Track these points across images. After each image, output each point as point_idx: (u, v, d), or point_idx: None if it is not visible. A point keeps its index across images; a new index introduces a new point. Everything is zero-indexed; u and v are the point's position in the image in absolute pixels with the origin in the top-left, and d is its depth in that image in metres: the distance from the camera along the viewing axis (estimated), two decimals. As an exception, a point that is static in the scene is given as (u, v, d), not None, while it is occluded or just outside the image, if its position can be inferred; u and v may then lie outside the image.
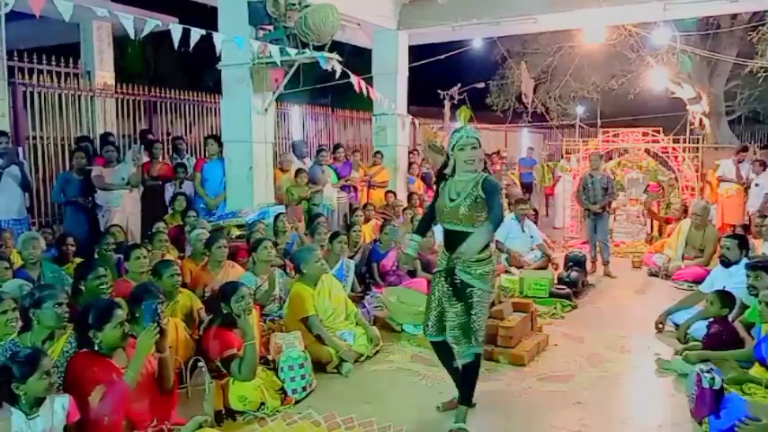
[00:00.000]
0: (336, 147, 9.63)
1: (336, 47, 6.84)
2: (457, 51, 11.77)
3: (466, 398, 3.58)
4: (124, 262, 4.79)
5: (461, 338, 3.45)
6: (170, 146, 8.74)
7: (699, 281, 6.15)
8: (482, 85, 16.32)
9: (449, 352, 3.61)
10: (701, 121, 14.34)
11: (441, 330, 3.57)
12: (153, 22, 5.24)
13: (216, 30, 6.10)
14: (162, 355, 3.16)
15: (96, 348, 3.00)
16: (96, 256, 5.19)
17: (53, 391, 2.71)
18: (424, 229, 3.98)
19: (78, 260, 5.11)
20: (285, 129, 11.52)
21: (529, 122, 17.69)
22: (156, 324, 3.07)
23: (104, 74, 9.26)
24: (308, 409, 3.78)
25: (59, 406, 2.73)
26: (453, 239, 3.46)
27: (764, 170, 9.02)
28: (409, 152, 10.63)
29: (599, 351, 4.95)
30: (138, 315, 3.53)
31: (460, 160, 3.47)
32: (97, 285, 4.03)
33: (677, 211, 9.48)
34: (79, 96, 8.50)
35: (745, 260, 5.29)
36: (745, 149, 9.78)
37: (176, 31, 5.27)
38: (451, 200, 3.48)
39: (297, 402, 3.89)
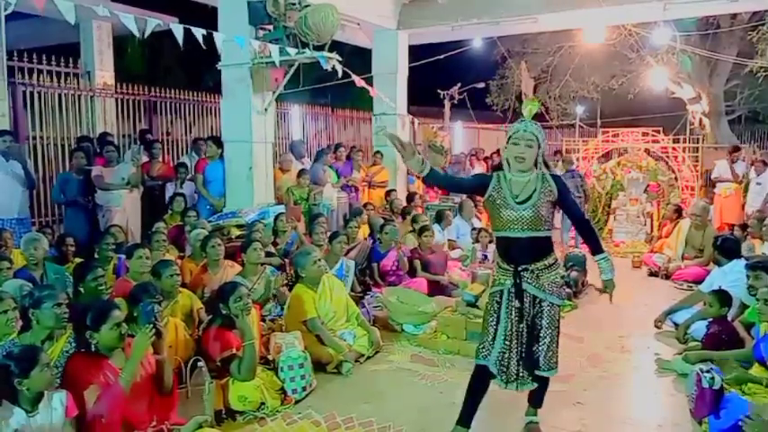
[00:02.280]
0: (337, 146, 9.63)
1: (336, 47, 6.84)
2: (457, 51, 11.77)
3: (538, 404, 3.54)
4: (126, 261, 4.79)
5: (508, 368, 3.17)
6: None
7: (699, 281, 6.15)
8: (482, 84, 16.32)
9: (487, 383, 3.30)
10: (700, 121, 14.35)
11: (503, 360, 3.20)
12: (154, 21, 5.24)
13: (216, 29, 6.10)
14: (160, 356, 3.16)
15: (94, 349, 3.00)
16: (96, 256, 5.19)
17: (54, 385, 2.71)
18: (437, 178, 3.41)
19: (78, 260, 5.11)
20: (285, 129, 11.52)
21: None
22: (151, 326, 3.06)
23: (104, 74, 9.27)
24: (307, 409, 3.78)
25: (57, 402, 2.73)
26: (516, 248, 3.14)
27: (765, 169, 9.03)
28: None
29: (599, 351, 4.95)
30: (136, 315, 3.53)
31: (511, 156, 3.15)
32: (96, 286, 4.03)
33: (668, 212, 9.49)
34: (79, 96, 8.50)
35: (739, 260, 5.30)
36: (737, 149, 9.78)
37: (177, 30, 5.28)
38: (518, 202, 3.12)
39: (297, 402, 3.89)
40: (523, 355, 3.18)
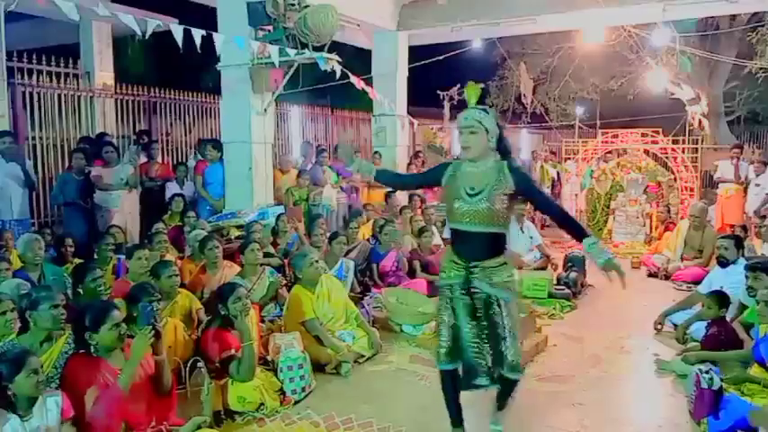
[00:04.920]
0: (337, 147, 9.64)
1: (337, 47, 6.84)
2: (456, 52, 11.77)
3: (502, 406, 3.29)
4: (125, 262, 4.79)
5: (487, 366, 3.03)
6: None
7: (698, 281, 6.15)
8: (482, 85, 16.29)
9: (458, 382, 3.19)
10: (699, 122, 14.36)
11: (457, 356, 3.10)
12: (154, 22, 5.24)
13: (215, 30, 6.10)
14: (159, 357, 3.16)
15: (93, 350, 3.00)
16: (95, 256, 5.19)
17: (42, 390, 2.69)
18: (387, 176, 3.44)
19: (77, 261, 5.11)
20: (285, 129, 11.52)
21: (528, 123, 17.69)
22: (150, 327, 3.06)
23: (104, 74, 9.26)
24: (306, 410, 3.78)
25: (53, 403, 2.72)
26: (470, 243, 3.00)
27: (765, 170, 9.04)
28: (416, 153, 10.65)
29: (598, 352, 4.95)
30: (136, 316, 3.53)
31: (460, 145, 3.01)
32: (95, 287, 4.03)
33: (661, 214, 9.51)
34: (79, 97, 8.50)
35: (742, 260, 5.30)
36: (738, 147, 9.78)
37: (177, 31, 5.28)
38: (470, 195, 2.95)
39: (296, 403, 3.89)
40: (473, 347, 3.06)
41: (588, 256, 3.09)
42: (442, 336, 3.11)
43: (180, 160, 9.23)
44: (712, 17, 12.60)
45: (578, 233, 3.03)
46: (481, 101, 3.07)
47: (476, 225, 2.96)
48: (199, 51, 5.34)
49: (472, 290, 3.01)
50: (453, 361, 3.12)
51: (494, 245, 3.02)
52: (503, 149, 3.04)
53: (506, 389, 3.17)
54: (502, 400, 3.26)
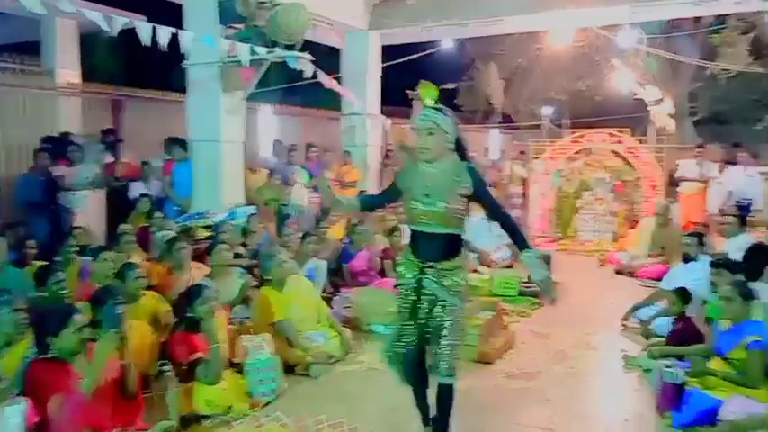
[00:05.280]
0: (309, 146, 9.59)
1: (308, 46, 6.80)
2: (427, 52, 11.82)
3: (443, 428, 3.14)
4: (90, 263, 4.70)
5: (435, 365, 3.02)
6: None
7: (662, 278, 6.27)
8: (452, 85, 16.41)
9: (420, 379, 3.18)
10: (665, 126, 14.66)
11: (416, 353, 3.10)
12: (121, 19, 5.15)
13: (183, 29, 6.01)
14: (124, 361, 3.10)
15: (55, 354, 2.93)
16: (59, 258, 5.07)
17: (5, 398, 2.62)
18: (367, 204, 3.40)
19: (39, 263, 4.98)
20: (255, 129, 11.41)
21: (498, 123, 17.87)
22: (116, 330, 2.99)
23: (69, 72, 9.05)
24: (276, 412, 3.75)
25: (14, 412, 2.64)
26: (426, 243, 2.98)
27: (726, 169, 9.27)
28: (387, 153, 10.65)
29: (566, 348, 5.02)
30: (100, 319, 3.46)
31: (418, 147, 2.97)
32: (57, 290, 3.94)
33: (627, 212, 9.70)
34: (42, 95, 8.30)
35: (704, 257, 5.44)
36: (701, 147, 10.03)
37: (144, 29, 5.19)
38: (426, 195, 2.93)
39: (265, 405, 3.86)
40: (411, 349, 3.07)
41: (527, 267, 3.06)
42: (396, 335, 3.12)
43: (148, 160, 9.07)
44: (677, 19, 12.88)
45: (521, 244, 3.02)
46: (439, 101, 3.03)
47: (432, 226, 2.94)
48: (165, 50, 5.26)
49: (422, 290, 2.99)
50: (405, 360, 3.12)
51: (449, 246, 3.00)
52: (460, 150, 3.03)
53: (444, 396, 3.07)
54: (444, 414, 3.11)
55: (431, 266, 2.97)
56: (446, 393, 3.05)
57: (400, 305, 3.09)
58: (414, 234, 3.06)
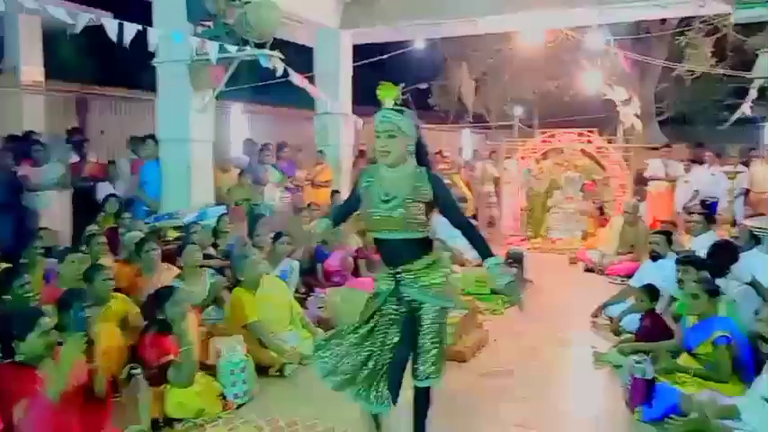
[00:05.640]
0: (281, 146, 9.51)
1: (279, 45, 6.75)
2: (399, 52, 11.84)
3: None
4: (57, 265, 4.58)
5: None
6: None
7: (631, 275, 6.40)
8: (425, 85, 16.47)
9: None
10: (632, 124, 14.93)
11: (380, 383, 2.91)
12: (86, 16, 5.03)
13: (152, 26, 5.91)
14: (91, 365, 3.02)
15: (21, 359, 2.84)
16: (24, 260, 4.92)
17: None
18: (337, 218, 3.22)
19: (4, 265, 4.83)
20: (226, 127, 11.27)
21: (470, 123, 17.99)
22: (83, 334, 2.91)
23: (33, 69, 8.82)
24: (250, 414, 3.72)
25: None
26: (392, 250, 2.88)
27: (692, 168, 9.49)
28: (360, 152, 10.63)
29: (538, 345, 5.08)
30: (67, 323, 3.37)
31: (376, 150, 2.84)
32: (22, 293, 3.83)
33: (596, 211, 9.86)
34: (4, 93, 8.07)
35: (671, 254, 5.55)
36: (668, 146, 10.25)
37: (110, 25, 5.09)
38: (385, 201, 2.82)
39: (238, 407, 3.82)
40: (386, 367, 2.90)
41: (490, 276, 2.95)
42: (337, 342, 2.97)
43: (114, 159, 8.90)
44: (644, 21, 13.14)
45: (484, 251, 2.90)
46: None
47: (393, 232, 2.83)
48: (127, 47, 5.16)
49: (402, 297, 2.88)
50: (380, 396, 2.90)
51: (418, 247, 2.88)
52: (421, 154, 2.90)
53: (424, 400, 2.99)
54: (421, 418, 3.02)
55: (406, 270, 2.86)
56: (426, 397, 2.98)
57: (369, 322, 2.92)
58: (379, 243, 2.94)
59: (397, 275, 2.87)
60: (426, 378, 2.90)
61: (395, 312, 2.91)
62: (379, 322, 2.93)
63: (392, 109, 2.83)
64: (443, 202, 2.87)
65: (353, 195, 3.09)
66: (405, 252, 2.86)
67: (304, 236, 6.08)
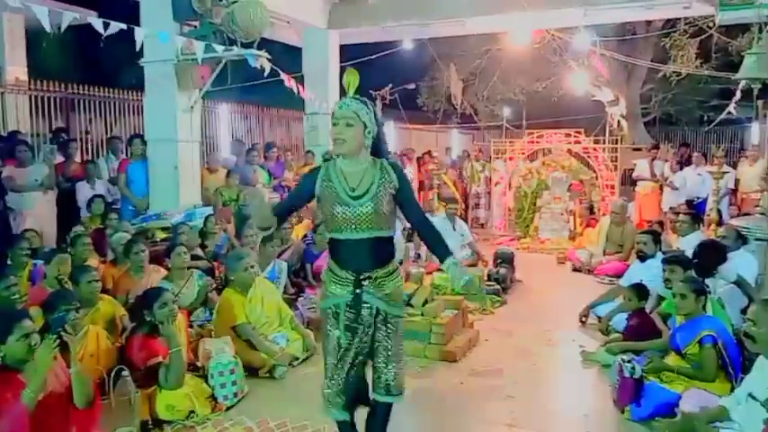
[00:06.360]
0: (269, 146, 9.47)
1: (267, 44, 6.72)
2: (388, 52, 11.84)
3: None
4: (42, 267, 4.53)
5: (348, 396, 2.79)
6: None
7: (619, 275, 6.44)
8: (413, 86, 16.47)
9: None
10: (618, 122, 15.05)
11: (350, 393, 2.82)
12: (70, 14, 4.97)
13: (138, 26, 5.86)
14: (72, 369, 2.94)
15: (2, 363, 2.78)
16: (9, 262, 4.86)
17: None
18: (280, 214, 2.89)
19: (-13, 267, 4.78)
20: (213, 127, 11.23)
21: (458, 123, 18.02)
22: (56, 336, 2.83)
23: (16, 69, 8.72)
24: (239, 416, 3.69)
25: None
26: (356, 252, 2.67)
27: (681, 169, 9.58)
28: None
29: (527, 345, 5.10)
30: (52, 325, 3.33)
31: (332, 139, 2.66)
32: (8, 295, 3.78)
33: (584, 211, 9.92)
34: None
35: (659, 254, 5.59)
36: (656, 147, 10.34)
37: (96, 24, 5.03)
38: (353, 197, 2.63)
39: (228, 409, 3.80)
40: (352, 378, 2.78)
41: (449, 276, 2.81)
42: (330, 371, 2.78)
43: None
44: (630, 23, 13.24)
45: (441, 251, 2.76)
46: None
47: (361, 231, 2.64)
48: (108, 45, 5.11)
49: (362, 305, 2.68)
50: (347, 407, 2.81)
51: (383, 251, 2.73)
52: (381, 150, 2.75)
53: (379, 415, 2.87)
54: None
55: (368, 277, 2.66)
56: (386, 412, 2.87)
57: (333, 335, 2.73)
58: (339, 244, 2.71)
59: (359, 281, 2.67)
60: (399, 393, 2.81)
61: (351, 321, 2.71)
62: (343, 333, 2.74)
63: (354, 98, 2.67)
64: (405, 195, 2.72)
65: (298, 193, 2.93)
66: (370, 254, 2.67)
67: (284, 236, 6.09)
